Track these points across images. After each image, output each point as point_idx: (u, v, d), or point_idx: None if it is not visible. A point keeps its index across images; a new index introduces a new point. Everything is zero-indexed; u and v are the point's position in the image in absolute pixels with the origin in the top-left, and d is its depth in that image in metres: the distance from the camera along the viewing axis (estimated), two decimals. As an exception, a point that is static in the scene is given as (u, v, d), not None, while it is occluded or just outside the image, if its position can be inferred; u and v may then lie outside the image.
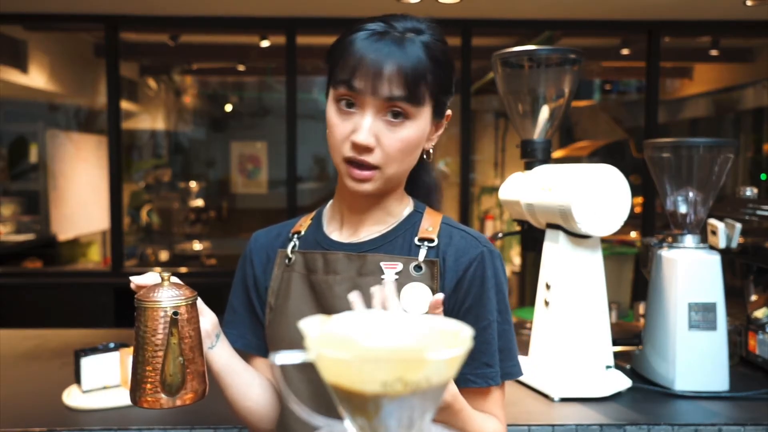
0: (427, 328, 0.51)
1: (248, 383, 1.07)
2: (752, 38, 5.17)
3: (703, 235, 1.87)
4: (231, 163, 6.01)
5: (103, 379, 1.70)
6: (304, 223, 1.13)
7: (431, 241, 1.03)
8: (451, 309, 1.01)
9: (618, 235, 4.03)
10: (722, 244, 1.89)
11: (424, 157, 1.07)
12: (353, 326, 0.52)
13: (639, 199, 4.49)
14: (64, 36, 5.32)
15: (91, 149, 5.59)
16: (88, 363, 1.68)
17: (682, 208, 1.83)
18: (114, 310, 4.19)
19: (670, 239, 1.85)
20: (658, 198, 1.89)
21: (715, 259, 1.76)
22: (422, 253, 1.01)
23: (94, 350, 1.70)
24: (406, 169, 1.01)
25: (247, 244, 1.19)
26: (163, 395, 0.91)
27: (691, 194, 1.82)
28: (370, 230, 1.06)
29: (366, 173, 0.96)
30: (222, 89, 6.65)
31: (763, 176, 5.58)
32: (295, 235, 1.11)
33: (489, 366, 0.99)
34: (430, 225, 1.05)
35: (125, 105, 4.65)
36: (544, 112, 1.92)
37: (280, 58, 4.47)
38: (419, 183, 1.14)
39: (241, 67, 6.07)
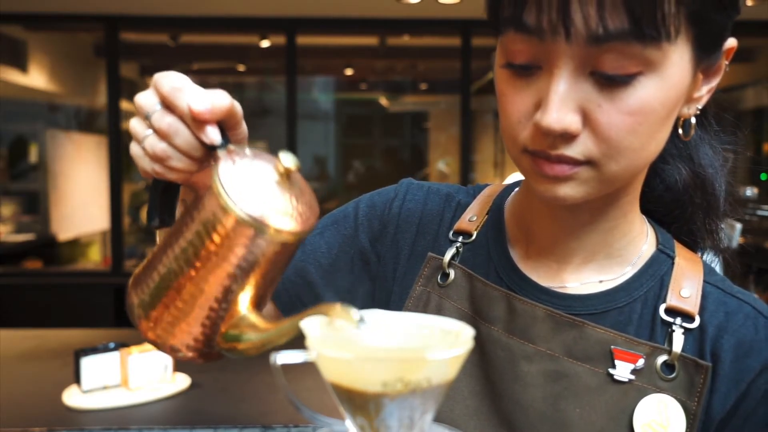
0: (429, 327, 0.51)
1: None
2: (752, 38, 5.17)
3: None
4: (231, 163, 6.00)
5: (103, 379, 1.70)
6: (476, 220, 0.70)
7: (689, 318, 0.60)
8: None
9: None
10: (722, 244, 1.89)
11: (679, 132, 0.60)
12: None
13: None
14: (64, 36, 5.32)
15: (91, 149, 5.59)
16: (88, 363, 1.68)
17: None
18: (114, 310, 4.19)
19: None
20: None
21: (715, 259, 1.76)
22: (677, 341, 0.59)
23: (94, 350, 1.70)
24: (645, 160, 0.56)
25: (393, 189, 0.76)
26: (206, 348, 0.55)
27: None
28: (583, 274, 0.64)
29: (563, 168, 0.54)
30: (222, 89, 6.63)
31: (763, 176, 5.58)
32: (460, 237, 0.70)
33: None
34: (688, 285, 0.62)
35: (125, 105, 4.65)
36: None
37: (280, 58, 4.47)
38: (657, 186, 0.67)
39: (241, 67, 6.07)
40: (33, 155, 5.42)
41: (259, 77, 6.53)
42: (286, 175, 0.51)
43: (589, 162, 0.54)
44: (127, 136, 0.57)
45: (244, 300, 0.53)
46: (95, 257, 5.60)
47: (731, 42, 0.57)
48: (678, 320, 0.60)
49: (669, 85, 0.52)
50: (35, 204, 5.32)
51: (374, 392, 0.44)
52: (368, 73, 6.38)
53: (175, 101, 0.51)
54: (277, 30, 4.54)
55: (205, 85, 0.55)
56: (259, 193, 0.50)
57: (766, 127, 5.71)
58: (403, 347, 0.50)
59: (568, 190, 0.55)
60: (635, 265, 0.63)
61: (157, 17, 4.38)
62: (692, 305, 0.60)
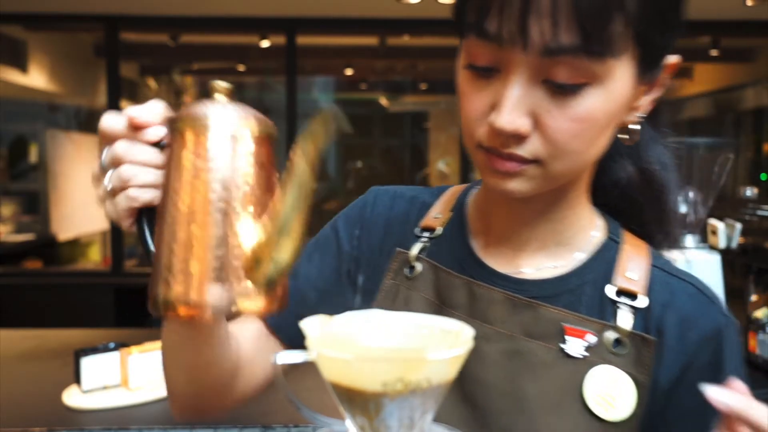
0: (428, 327, 0.51)
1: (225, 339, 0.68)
2: (752, 38, 5.17)
3: (703, 235, 1.87)
4: (231, 163, 6.00)
5: (103, 379, 1.70)
6: (440, 216, 0.75)
7: (636, 297, 0.65)
8: (661, 410, 0.64)
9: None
10: (722, 244, 1.89)
11: (622, 137, 0.65)
12: (354, 326, 0.53)
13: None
14: (64, 36, 5.32)
15: (91, 149, 5.58)
16: (88, 363, 1.68)
17: (682, 208, 1.83)
18: (114, 310, 4.19)
19: (670, 239, 1.85)
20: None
21: (715, 259, 1.76)
22: (624, 318, 0.64)
23: (94, 350, 1.70)
24: (587, 161, 0.62)
25: (362, 199, 0.81)
26: (247, 285, 0.50)
27: (691, 194, 1.82)
28: (538, 261, 0.69)
29: (512, 165, 0.59)
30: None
31: (763, 176, 5.58)
32: (426, 233, 0.74)
33: None
34: (635, 267, 0.67)
35: (125, 105, 4.65)
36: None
37: (280, 58, 4.47)
38: (606, 182, 0.72)
39: (241, 67, 6.07)
40: (33, 155, 5.42)
41: (259, 77, 6.53)
42: (230, 95, 0.53)
43: (536, 161, 0.59)
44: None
45: (247, 225, 0.51)
46: (95, 257, 5.60)
47: (673, 58, 0.61)
48: (625, 300, 0.65)
49: (612, 96, 0.57)
50: (35, 204, 5.32)
51: (374, 392, 0.44)
52: (368, 73, 6.38)
53: (115, 125, 0.56)
54: (277, 30, 4.54)
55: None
56: (215, 111, 0.52)
57: (766, 127, 5.71)
58: (403, 347, 0.50)
59: (516, 185, 0.60)
60: (586, 251, 0.69)
61: (157, 17, 4.38)
62: (638, 286, 0.66)
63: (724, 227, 1.90)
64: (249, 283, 0.50)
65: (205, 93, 0.56)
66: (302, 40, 4.44)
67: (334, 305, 0.70)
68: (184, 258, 0.50)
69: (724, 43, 5.14)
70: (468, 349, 0.46)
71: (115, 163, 0.56)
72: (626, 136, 0.65)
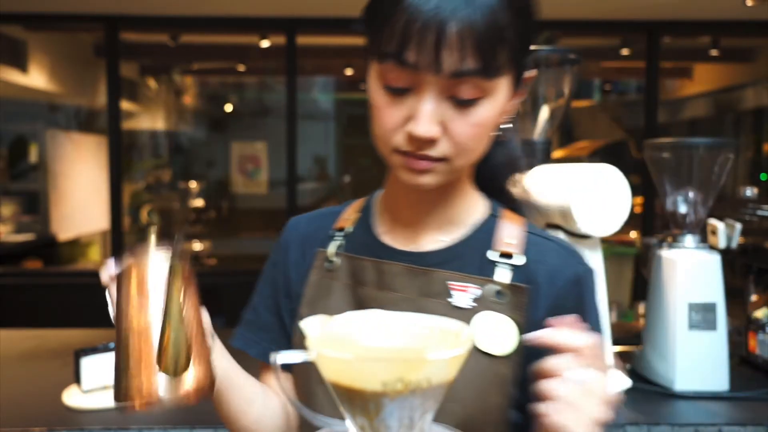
0: (428, 328, 0.51)
1: (248, 400, 0.90)
2: (752, 38, 5.16)
3: (703, 235, 1.87)
4: (231, 163, 6.02)
5: (103, 379, 1.70)
6: (349, 217, 0.92)
7: (513, 257, 0.81)
8: (537, 349, 0.75)
9: (618, 235, 4.02)
10: (722, 244, 1.89)
11: (496, 134, 0.82)
12: (354, 326, 0.53)
13: (639, 199, 4.49)
14: (64, 36, 5.32)
15: (91, 149, 5.59)
16: (88, 363, 1.68)
17: (682, 208, 1.83)
18: (114, 310, 4.19)
19: (670, 239, 1.85)
20: (657, 198, 1.90)
21: (715, 259, 1.76)
22: (502, 274, 0.80)
23: (94, 350, 1.70)
24: (478, 156, 0.79)
25: (281, 232, 0.97)
26: (158, 383, 0.67)
27: (691, 194, 1.82)
28: (433, 238, 0.85)
29: (426, 163, 0.74)
30: (222, 89, 6.65)
31: (763, 176, 5.58)
32: (339, 233, 0.91)
33: None
34: (511, 234, 0.84)
35: (125, 105, 4.65)
36: (544, 113, 1.92)
37: (280, 58, 4.47)
38: (484, 167, 0.89)
39: (241, 67, 6.06)
40: (33, 155, 5.42)
41: (259, 77, 6.52)
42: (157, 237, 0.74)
43: (444, 159, 0.74)
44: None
45: (156, 332, 0.69)
46: (95, 257, 5.61)
47: (530, 72, 0.80)
48: (504, 260, 0.81)
49: (497, 105, 0.74)
50: (35, 204, 5.32)
51: (374, 392, 0.44)
52: (368, 73, 6.36)
53: (106, 277, 0.76)
54: (277, 30, 4.54)
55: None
56: (141, 256, 0.73)
57: (766, 127, 5.71)
58: (403, 347, 0.50)
59: (427, 179, 0.76)
60: (472, 226, 0.85)
61: (157, 17, 4.38)
62: (515, 248, 0.82)
63: (724, 227, 1.90)
64: (164, 372, 0.66)
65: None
66: (302, 40, 4.44)
67: (281, 319, 0.93)
68: (124, 364, 0.68)
69: (724, 43, 5.14)
70: (468, 349, 0.46)
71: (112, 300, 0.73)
72: (501, 133, 0.82)
